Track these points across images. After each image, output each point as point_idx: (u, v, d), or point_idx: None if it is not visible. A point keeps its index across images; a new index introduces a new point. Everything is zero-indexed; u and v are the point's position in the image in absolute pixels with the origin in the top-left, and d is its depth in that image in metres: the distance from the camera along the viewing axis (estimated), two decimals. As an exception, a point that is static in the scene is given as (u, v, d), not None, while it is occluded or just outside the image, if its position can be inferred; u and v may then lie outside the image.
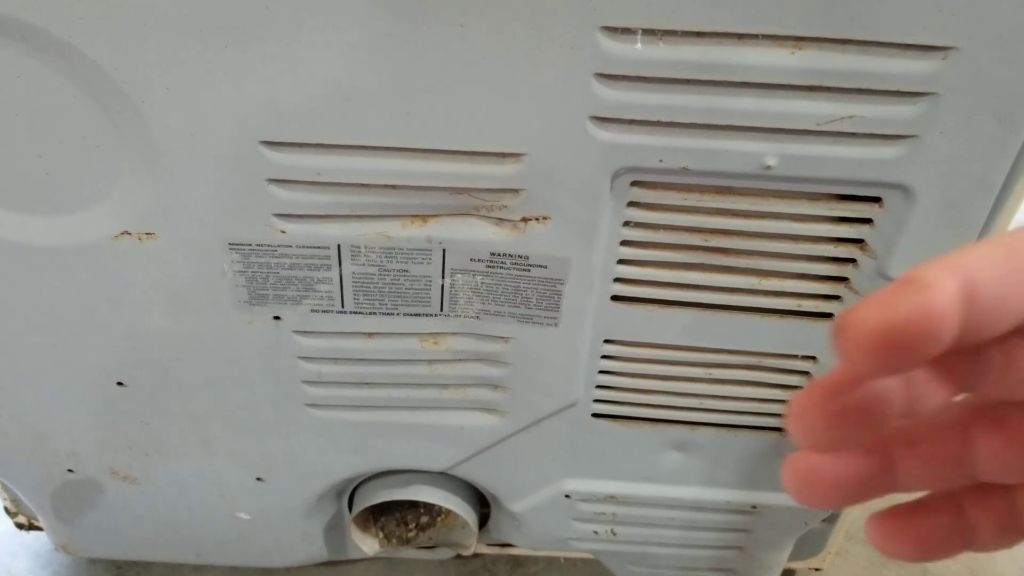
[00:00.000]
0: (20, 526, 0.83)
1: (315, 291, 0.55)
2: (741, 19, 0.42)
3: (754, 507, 0.69)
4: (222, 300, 0.55)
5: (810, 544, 0.79)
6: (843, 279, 0.54)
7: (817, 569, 0.85)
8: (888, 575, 0.91)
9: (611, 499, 0.70)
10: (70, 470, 0.70)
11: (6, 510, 0.81)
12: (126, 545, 0.79)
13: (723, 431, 0.64)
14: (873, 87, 0.44)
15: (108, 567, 0.88)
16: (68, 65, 0.44)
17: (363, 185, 0.49)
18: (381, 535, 0.76)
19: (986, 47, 0.42)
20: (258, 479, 0.70)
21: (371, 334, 0.58)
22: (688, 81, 0.44)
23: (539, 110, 0.46)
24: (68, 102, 0.45)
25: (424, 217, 0.52)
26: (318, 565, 0.83)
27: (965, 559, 0.93)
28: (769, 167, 0.47)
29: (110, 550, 0.81)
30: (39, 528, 0.81)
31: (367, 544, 0.75)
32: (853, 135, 0.46)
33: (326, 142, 0.47)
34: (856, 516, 0.94)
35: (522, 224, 0.52)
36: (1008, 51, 0.42)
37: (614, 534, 0.73)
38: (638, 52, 0.43)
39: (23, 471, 0.71)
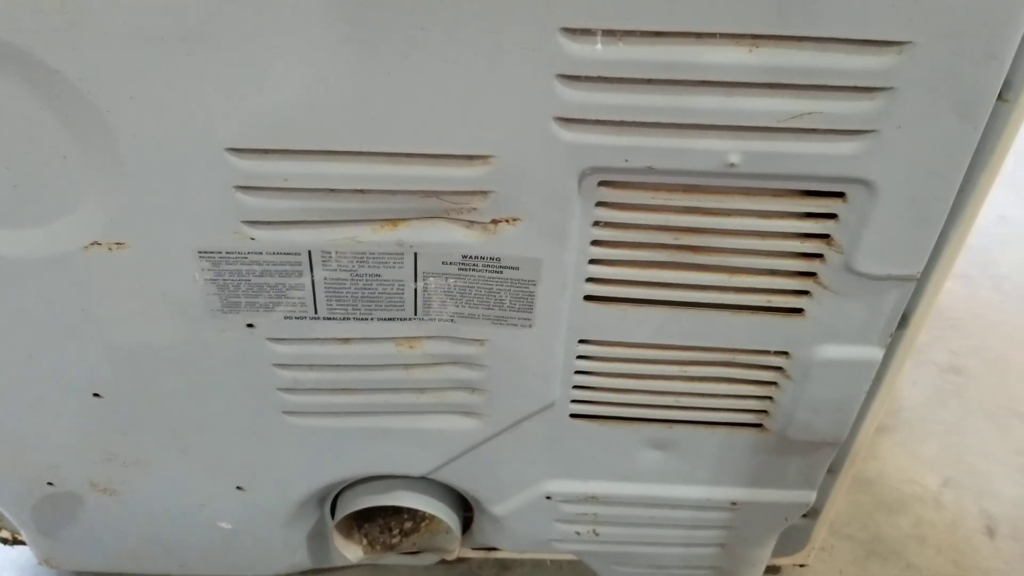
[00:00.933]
0: (4, 540, 0.83)
1: (288, 298, 0.55)
2: (698, 18, 0.42)
3: (734, 503, 0.70)
4: (195, 308, 0.56)
5: (794, 540, 0.79)
6: (811, 274, 0.54)
7: (802, 565, 0.85)
8: (873, 568, 0.91)
9: (592, 499, 0.70)
10: (50, 483, 0.70)
11: (-11, 525, 0.81)
12: (109, 557, 0.79)
13: (700, 428, 0.65)
14: (831, 83, 0.44)
15: (93, 580, 0.88)
16: (32, 76, 0.44)
17: (331, 190, 0.50)
18: (365, 542, 0.76)
19: (941, 41, 0.43)
20: (238, 488, 0.70)
21: (346, 339, 0.58)
22: (649, 81, 0.45)
23: (504, 112, 0.46)
24: (33, 113, 0.46)
25: (394, 221, 0.52)
26: (303, 573, 0.83)
27: (949, 551, 0.94)
28: (733, 164, 0.48)
29: (93, 562, 0.81)
30: (22, 542, 0.81)
31: (351, 551, 0.75)
32: (814, 131, 0.46)
33: (292, 148, 0.47)
34: (840, 511, 0.95)
35: (492, 226, 0.52)
36: (963, 45, 0.43)
37: (596, 534, 0.74)
38: (599, 53, 0.44)
39: (3, 485, 0.71)
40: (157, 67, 0.44)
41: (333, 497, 0.74)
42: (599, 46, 0.44)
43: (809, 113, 0.46)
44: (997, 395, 1.13)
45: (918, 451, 1.05)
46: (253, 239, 0.52)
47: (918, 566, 0.92)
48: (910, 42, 0.43)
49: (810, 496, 0.70)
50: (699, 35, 0.43)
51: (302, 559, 0.79)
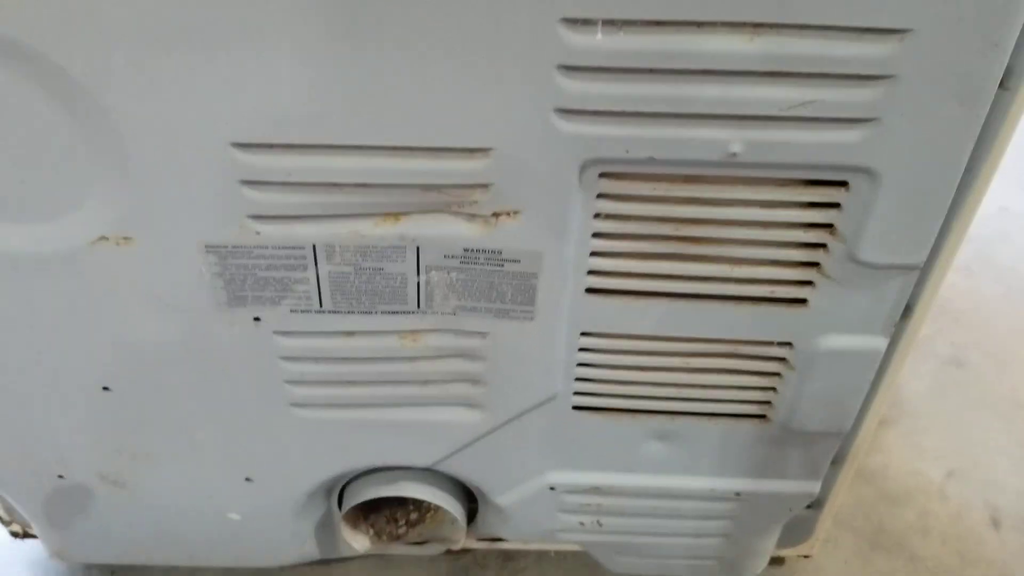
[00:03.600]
0: (15, 534, 0.84)
1: (293, 291, 0.56)
2: (698, 6, 0.43)
3: (737, 494, 0.70)
4: (202, 303, 0.56)
5: (798, 531, 0.80)
6: (815, 264, 0.54)
7: (806, 556, 0.85)
8: (877, 560, 0.91)
9: (595, 490, 0.71)
10: (60, 476, 0.70)
11: (0, 519, 0.82)
12: (120, 550, 0.80)
13: (703, 419, 0.65)
14: (832, 71, 0.44)
15: (103, 572, 0.88)
16: (38, 73, 0.45)
17: (334, 184, 0.50)
18: (371, 532, 0.77)
19: (941, 29, 0.43)
20: (247, 479, 0.70)
21: (350, 333, 0.59)
22: (650, 70, 0.45)
23: (504, 104, 0.46)
24: (40, 110, 0.46)
25: (396, 215, 0.52)
26: (312, 564, 0.83)
27: (953, 543, 0.94)
28: (734, 154, 0.48)
29: (104, 555, 0.82)
30: (34, 536, 0.81)
31: (358, 541, 0.76)
32: (815, 119, 0.47)
33: (296, 142, 0.48)
34: (844, 503, 0.95)
35: (493, 219, 0.52)
36: (963, 32, 0.43)
37: (600, 525, 0.74)
38: (599, 43, 0.44)
39: (14, 478, 0.71)
40: (161, 64, 0.44)
41: (340, 488, 0.74)
42: (599, 36, 0.44)
43: (811, 101, 0.46)
44: (1000, 387, 1.13)
45: (922, 443, 1.05)
46: (259, 233, 0.52)
47: (922, 558, 0.92)
48: (911, 30, 0.43)
49: (814, 487, 0.70)
50: (700, 24, 0.43)
51: (310, 549, 0.79)
